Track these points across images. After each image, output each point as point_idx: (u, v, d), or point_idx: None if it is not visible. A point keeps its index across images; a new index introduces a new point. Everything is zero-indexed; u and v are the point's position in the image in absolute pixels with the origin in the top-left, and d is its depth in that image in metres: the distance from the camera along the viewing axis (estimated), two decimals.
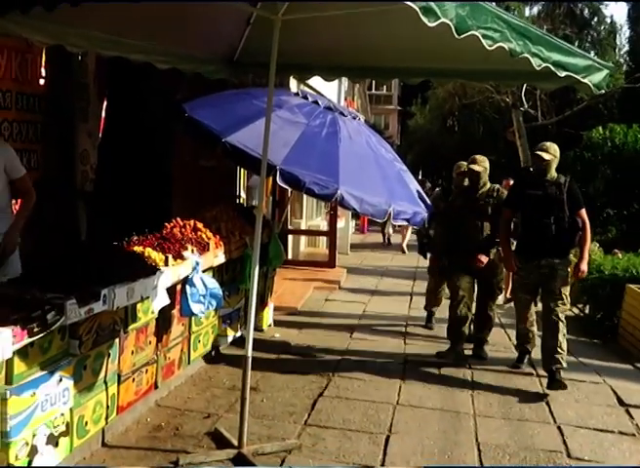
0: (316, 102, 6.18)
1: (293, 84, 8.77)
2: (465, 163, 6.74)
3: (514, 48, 3.22)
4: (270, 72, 4.11)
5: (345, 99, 15.32)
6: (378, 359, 6.23)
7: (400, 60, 4.94)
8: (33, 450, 3.29)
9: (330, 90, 11.41)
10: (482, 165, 6.11)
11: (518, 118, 21.09)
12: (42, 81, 6.34)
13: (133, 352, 4.28)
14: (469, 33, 2.95)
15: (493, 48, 3.10)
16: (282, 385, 5.29)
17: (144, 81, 6.81)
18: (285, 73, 5.22)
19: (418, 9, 2.68)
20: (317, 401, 4.99)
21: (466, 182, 6.61)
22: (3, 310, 3.05)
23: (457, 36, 2.89)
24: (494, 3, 5.01)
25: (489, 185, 6.20)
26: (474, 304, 6.44)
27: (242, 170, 8.53)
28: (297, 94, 6.55)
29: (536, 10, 28.09)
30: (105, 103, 7.29)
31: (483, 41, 3.02)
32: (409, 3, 2.68)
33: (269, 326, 7.09)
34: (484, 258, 6.11)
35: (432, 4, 2.71)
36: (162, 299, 4.28)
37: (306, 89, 8.28)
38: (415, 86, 5.57)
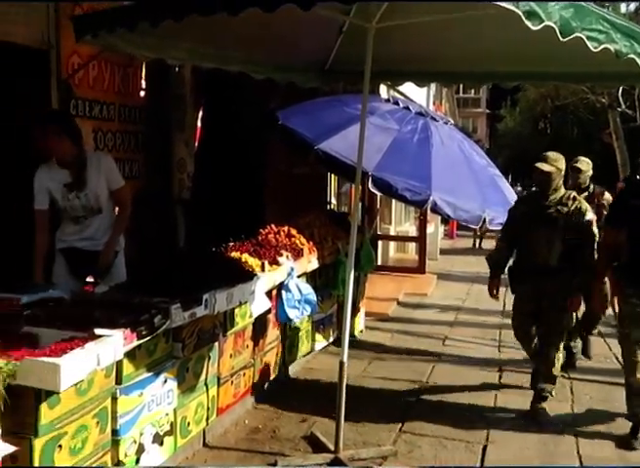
0: (407, 108, 6.21)
1: (382, 90, 8.80)
2: (582, 158, 6.05)
3: (620, 49, 3.12)
4: (365, 80, 4.14)
5: (434, 104, 15.21)
6: (472, 366, 6.15)
7: (495, 64, 4.86)
8: (141, 448, 3.44)
9: (418, 94, 11.34)
10: (554, 164, 4.78)
11: (615, 119, 20.34)
12: (142, 93, 6.62)
13: (231, 355, 4.40)
14: (574, 35, 2.88)
15: (598, 50, 3.01)
16: (376, 391, 5.31)
17: (238, 90, 7.00)
18: (377, 80, 5.24)
19: (521, 13, 2.65)
20: (411, 408, 4.98)
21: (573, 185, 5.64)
22: (113, 313, 3.22)
23: (561, 39, 2.83)
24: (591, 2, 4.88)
25: (562, 192, 4.86)
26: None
27: (333, 176, 8.61)
28: (387, 100, 6.59)
29: (633, 6, 27.04)
30: (201, 113, 7.53)
31: (588, 43, 2.95)
32: (512, 7, 2.65)
33: (361, 331, 7.12)
34: (579, 302, 4.93)
35: (536, 7, 2.68)
36: (262, 304, 4.39)
37: (396, 94, 8.28)
38: (504, 88, 5.34)
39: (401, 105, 6.21)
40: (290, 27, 4.39)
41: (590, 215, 4.85)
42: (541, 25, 2.73)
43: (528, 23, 2.70)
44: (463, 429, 4.63)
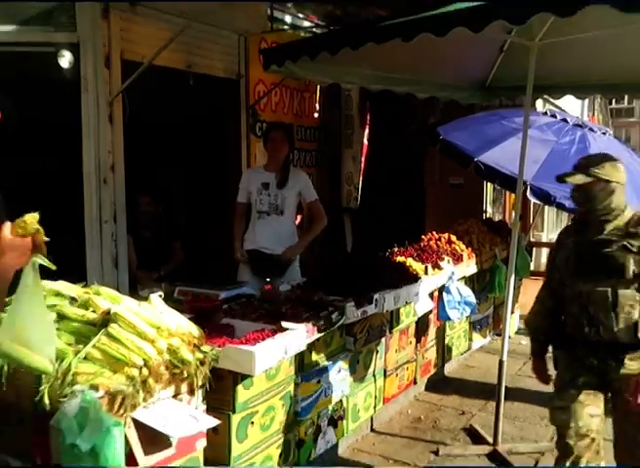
0: (565, 120, 5.91)
1: (538, 103, 8.44)
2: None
3: None
4: (526, 96, 4.01)
5: (588, 115, 14.34)
6: None
7: None
8: (318, 429, 3.53)
9: (573, 106, 10.77)
10: (597, 173, 2.76)
11: None
12: (316, 114, 6.84)
13: (396, 350, 4.40)
14: None
15: None
16: (531, 390, 5.06)
17: (400, 108, 7.00)
18: (537, 94, 5.03)
19: None
20: None
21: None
22: (299, 309, 3.34)
23: None
24: None
25: (627, 213, 2.79)
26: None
27: (488, 186, 8.37)
28: (545, 113, 6.31)
29: None
30: (367, 131, 7.63)
31: None
32: None
33: (515, 333, 6.85)
34: None
35: None
36: (426, 304, 4.37)
37: (552, 107, 7.91)
38: None
39: (558, 118, 5.92)
40: (453, 49, 4.33)
41: None
42: None
43: None
44: None
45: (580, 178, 2.78)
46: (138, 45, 4.55)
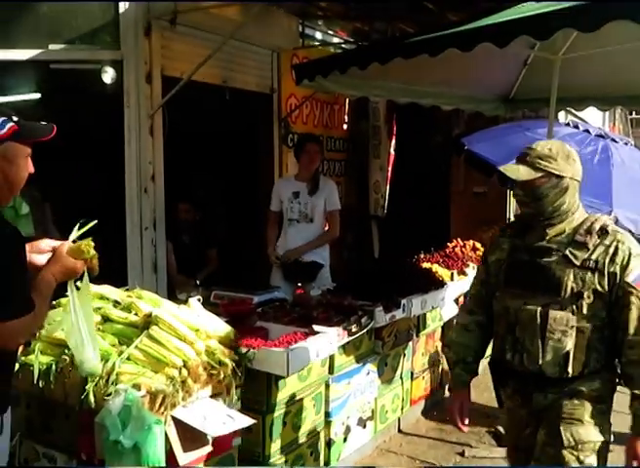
0: (587, 131, 5.80)
1: (561, 115, 8.32)
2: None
3: None
4: (550, 109, 3.98)
5: (608, 126, 14.11)
6: None
7: None
8: (347, 429, 3.51)
9: (593, 116, 10.58)
10: (545, 165, 2.09)
11: None
12: (345, 126, 6.84)
13: (423, 354, 4.36)
14: None
15: None
16: None
17: (425, 120, 6.98)
18: (560, 106, 4.97)
19: None
20: None
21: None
22: (329, 313, 3.33)
23: None
24: None
25: (577, 215, 2.17)
26: None
27: (511, 194, 8.29)
28: (567, 124, 6.21)
29: None
30: (393, 141, 7.61)
31: None
32: None
33: None
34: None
35: None
36: (451, 309, 4.32)
37: (574, 118, 7.79)
38: None
39: (581, 129, 5.81)
40: (478, 62, 4.30)
41: None
42: None
43: None
44: None
45: (525, 173, 2.10)
46: (177, 61, 4.60)
